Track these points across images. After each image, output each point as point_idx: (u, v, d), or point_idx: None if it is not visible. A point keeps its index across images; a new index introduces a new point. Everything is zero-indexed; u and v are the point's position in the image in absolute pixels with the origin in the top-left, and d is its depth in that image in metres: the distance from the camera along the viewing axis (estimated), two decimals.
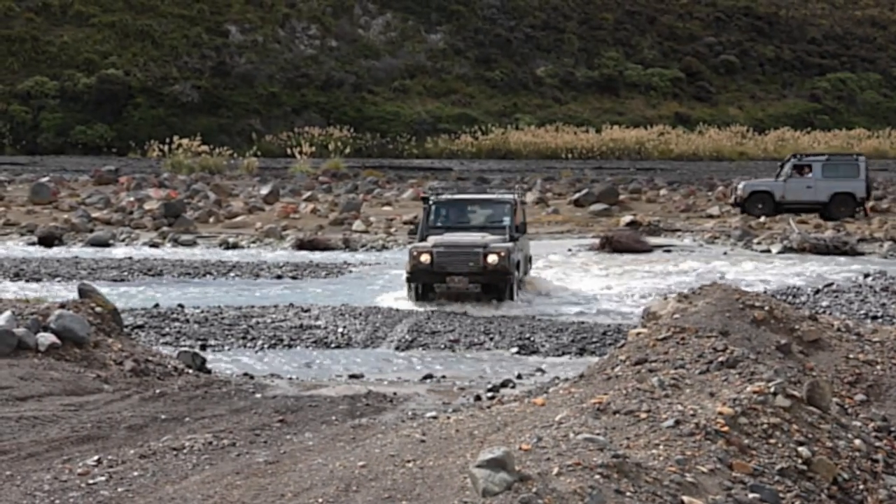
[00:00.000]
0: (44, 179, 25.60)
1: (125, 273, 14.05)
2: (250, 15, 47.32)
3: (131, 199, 22.84)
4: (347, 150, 37.30)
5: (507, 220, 12.27)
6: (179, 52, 44.37)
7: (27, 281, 13.13)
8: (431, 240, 11.71)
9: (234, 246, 17.78)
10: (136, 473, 4.81)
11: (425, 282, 11.56)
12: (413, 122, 43.52)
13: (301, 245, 17.69)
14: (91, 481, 4.70)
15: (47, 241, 17.38)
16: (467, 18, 51.54)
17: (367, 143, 41.05)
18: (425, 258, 11.40)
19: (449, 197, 13.07)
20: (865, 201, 22.41)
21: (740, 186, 23.00)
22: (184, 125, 39.00)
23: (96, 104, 40.11)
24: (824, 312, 10.04)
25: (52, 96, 40.05)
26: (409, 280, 11.70)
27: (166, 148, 34.18)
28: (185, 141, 34.22)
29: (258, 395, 6.81)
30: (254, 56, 45.20)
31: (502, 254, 11.30)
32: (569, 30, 53.40)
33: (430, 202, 12.58)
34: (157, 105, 40.96)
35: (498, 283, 11.42)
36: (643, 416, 4.73)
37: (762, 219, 21.52)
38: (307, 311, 11.06)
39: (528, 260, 13.41)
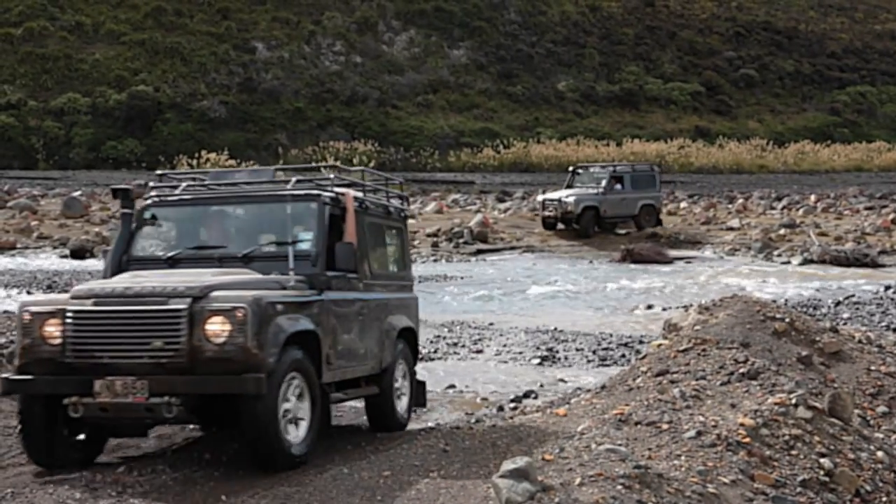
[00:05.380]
0: (76, 193, 25.99)
1: None
2: (277, 32, 47.86)
3: None
4: (371, 164, 37.52)
5: (306, 242, 5.35)
6: (208, 68, 44.94)
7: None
8: (87, 286, 5.04)
9: None
10: (164, 477, 4.91)
11: (47, 391, 4.83)
12: (436, 136, 43.70)
13: None
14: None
15: (79, 253, 17.65)
16: (489, 34, 51.76)
17: (390, 156, 41.25)
18: (52, 330, 4.81)
19: (183, 196, 5.79)
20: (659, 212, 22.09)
21: (570, 200, 20.52)
22: (212, 140, 39.47)
23: (127, 120, 40.70)
24: (845, 324, 9.96)
25: (84, 112, 40.68)
26: (7, 387, 4.94)
27: (195, 162, 34.62)
28: (212, 155, 34.67)
29: None
30: (280, 72, 45.67)
31: (240, 314, 4.61)
32: (589, 45, 53.45)
33: (142, 207, 5.80)
34: (186, 120, 41.48)
35: (232, 391, 4.69)
36: (665, 426, 4.76)
37: (782, 231, 21.28)
38: None
39: (411, 355, 6.32)
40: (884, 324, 10.89)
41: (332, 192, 5.64)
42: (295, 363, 4.88)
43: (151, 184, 6.01)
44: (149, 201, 5.86)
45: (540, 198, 22.50)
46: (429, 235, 20.77)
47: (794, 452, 4.62)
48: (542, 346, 9.89)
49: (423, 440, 5.52)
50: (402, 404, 6.15)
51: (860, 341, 6.29)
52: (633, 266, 17.37)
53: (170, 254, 5.56)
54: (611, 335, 10.49)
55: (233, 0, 48.91)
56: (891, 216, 23.36)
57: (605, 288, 14.62)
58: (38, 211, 23.59)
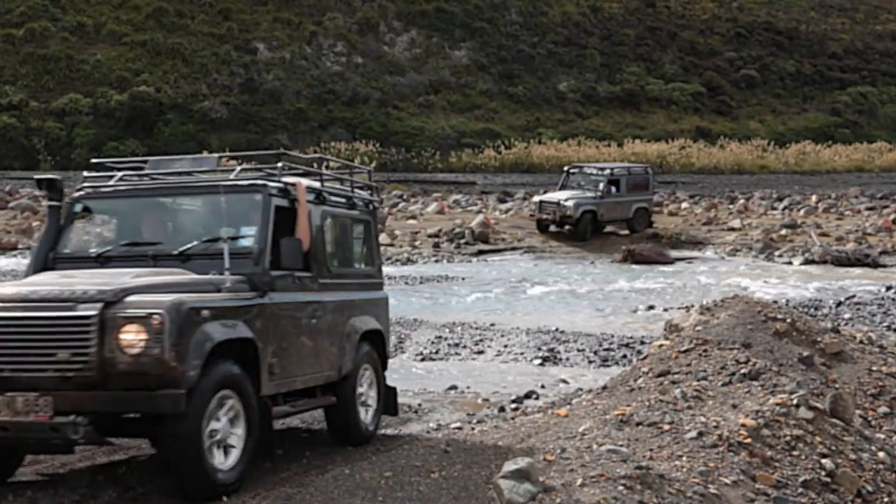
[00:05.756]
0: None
1: None
2: (278, 33, 47.89)
3: None
4: (373, 165, 37.54)
5: (248, 238, 4.89)
6: (209, 69, 44.99)
7: None
8: None
9: None
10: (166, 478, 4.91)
11: None
12: (437, 136, 43.71)
13: None
14: None
15: None
16: (490, 35, 51.77)
17: (392, 157, 41.26)
18: None
19: (117, 186, 5.31)
20: (651, 214, 21.68)
21: (569, 205, 20.01)
22: (213, 141, 39.50)
23: (128, 120, 40.75)
24: (846, 325, 9.97)
25: (85, 113, 40.74)
26: None
27: None
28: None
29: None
30: (281, 73, 45.69)
31: (155, 321, 4.13)
32: (591, 45, 53.47)
33: (72, 198, 5.31)
34: (187, 121, 41.52)
35: (144, 410, 4.26)
36: (666, 427, 4.77)
37: (783, 231, 21.26)
38: None
39: (379, 360, 5.81)
40: (885, 324, 10.89)
41: (280, 182, 5.07)
42: (225, 376, 4.34)
43: (85, 173, 5.48)
44: (81, 192, 5.33)
45: (536, 199, 21.86)
46: (430, 236, 20.78)
47: (795, 453, 4.63)
48: (544, 346, 9.89)
49: (424, 441, 5.53)
50: (366, 414, 5.60)
51: (861, 342, 6.29)
52: (634, 267, 17.39)
53: (99, 251, 5.04)
54: (612, 336, 10.48)
55: (234, 1, 48.95)
56: (892, 216, 23.34)
57: (606, 288, 14.63)
58: (39, 211, 23.61)
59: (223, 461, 4.36)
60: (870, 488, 4.60)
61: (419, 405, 7.28)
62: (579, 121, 47.77)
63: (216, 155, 5.49)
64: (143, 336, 4.10)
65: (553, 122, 47.14)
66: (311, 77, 46.20)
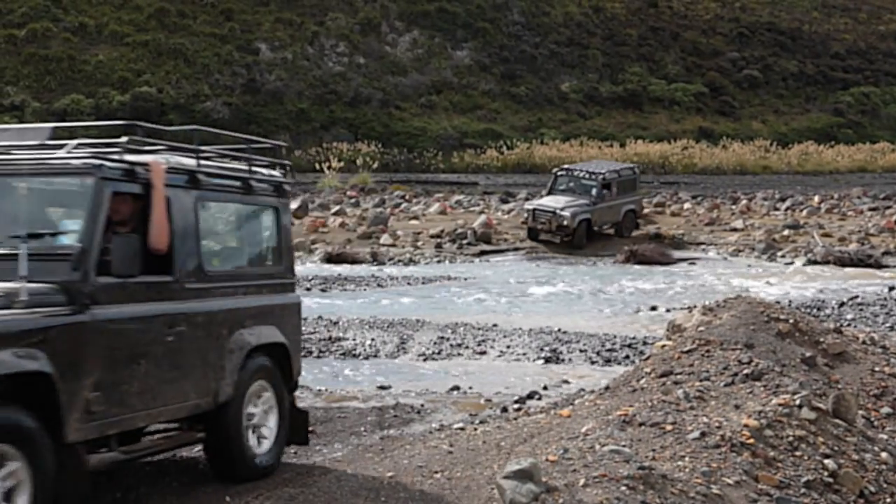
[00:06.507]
0: None
1: None
2: (280, 33, 47.92)
3: None
4: (375, 165, 37.52)
5: (70, 235, 3.86)
6: (211, 69, 45.02)
7: None
8: None
9: None
10: (168, 479, 4.92)
11: None
12: (439, 137, 43.72)
13: (330, 258, 17.87)
14: None
15: None
16: (493, 35, 51.79)
17: (394, 157, 41.28)
18: None
19: None
20: (637, 215, 21.28)
21: (566, 214, 19.24)
22: (215, 141, 39.60)
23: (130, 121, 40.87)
24: (849, 325, 9.97)
25: (87, 114, 40.79)
26: None
27: None
28: None
29: None
30: (283, 73, 45.72)
31: None
32: (593, 46, 53.46)
33: None
34: (189, 122, 41.54)
35: None
36: (669, 428, 4.77)
37: (786, 232, 21.27)
38: (336, 322, 11.17)
39: (282, 378, 4.87)
40: (888, 325, 10.88)
41: (123, 161, 3.94)
42: None
43: None
44: None
45: (529, 206, 20.75)
46: (432, 236, 20.79)
47: (798, 453, 4.63)
48: (546, 346, 9.90)
49: (427, 441, 5.53)
50: (260, 445, 4.65)
51: (864, 342, 6.29)
52: (636, 267, 17.40)
53: None
54: (614, 336, 10.48)
55: (236, 1, 49.01)
56: (894, 217, 23.31)
57: (608, 289, 14.63)
58: None
59: None
60: (872, 489, 4.60)
61: (422, 405, 7.28)
62: (581, 121, 47.77)
63: (50, 125, 4.29)
64: None
65: (555, 123, 47.14)
66: (313, 77, 46.22)
